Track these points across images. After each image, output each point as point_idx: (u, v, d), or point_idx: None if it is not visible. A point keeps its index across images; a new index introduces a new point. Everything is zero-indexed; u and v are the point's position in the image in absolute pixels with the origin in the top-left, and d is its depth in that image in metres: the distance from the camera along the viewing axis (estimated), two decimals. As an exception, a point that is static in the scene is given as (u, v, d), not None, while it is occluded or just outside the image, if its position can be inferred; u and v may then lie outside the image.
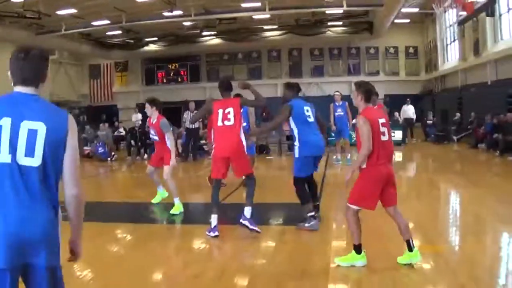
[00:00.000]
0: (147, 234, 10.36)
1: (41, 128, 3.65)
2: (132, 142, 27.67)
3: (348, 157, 20.13)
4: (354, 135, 13.68)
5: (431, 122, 33.62)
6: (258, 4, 32.44)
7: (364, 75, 44.91)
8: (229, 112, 9.66)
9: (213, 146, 10.89)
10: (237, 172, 10.38)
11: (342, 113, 20.03)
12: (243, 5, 32.98)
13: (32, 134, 3.62)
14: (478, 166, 21.03)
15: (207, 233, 9.77)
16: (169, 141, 12.17)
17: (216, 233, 9.68)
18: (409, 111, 33.06)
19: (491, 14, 21.68)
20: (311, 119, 10.28)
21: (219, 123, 10.01)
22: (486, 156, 23.38)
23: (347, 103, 19.46)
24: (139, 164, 25.08)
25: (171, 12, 32.51)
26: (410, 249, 7.58)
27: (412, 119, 33.53)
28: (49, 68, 3.95)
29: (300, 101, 10.53)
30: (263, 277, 7.61)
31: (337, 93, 20.97)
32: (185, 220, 11.59)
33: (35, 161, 3.65)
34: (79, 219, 3.97)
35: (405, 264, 7.55)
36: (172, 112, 27.43)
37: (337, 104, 20.29)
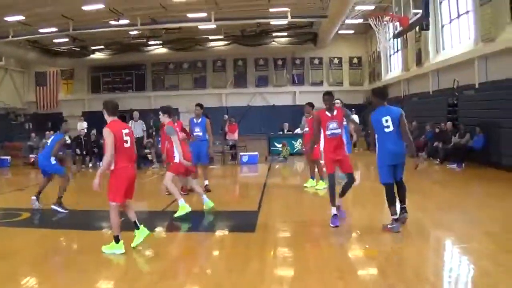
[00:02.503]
0: (91, 241, 10.55)
1: None
2: (77, 150, 27.51)
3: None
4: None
5: (373, 130, 34.01)
6: (204, 15, 32.73)
7: (308, 85, 45.96)
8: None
9: None
10: (345, 169, 11.59)
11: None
12: (189, 15, 33.25)
13: None
14: (419, 173, 21.51)
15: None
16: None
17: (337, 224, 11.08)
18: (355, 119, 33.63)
19: (426, 28, 22.18)
20: (389, 129, 10.68)
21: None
22: (427, 164, 23.81)
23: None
24: (84, 172, 25.03)
25: (118, 21, 32.68)
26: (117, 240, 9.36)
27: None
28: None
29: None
30: (201, 281, 7.97)
31: (337, 101, 16.50)
32: (129, 227, 11.79)
33: None
34: None
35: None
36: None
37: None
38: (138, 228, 9.70)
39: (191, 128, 16.57)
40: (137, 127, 24.38)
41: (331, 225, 11.01)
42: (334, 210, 11.22)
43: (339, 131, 11.49)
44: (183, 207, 12.64)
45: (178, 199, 12.81)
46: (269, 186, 17.77)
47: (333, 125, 11.42)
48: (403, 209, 11.16)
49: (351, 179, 11.70)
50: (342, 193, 11.75)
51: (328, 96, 11.62)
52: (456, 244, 9.69)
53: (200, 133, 16.40)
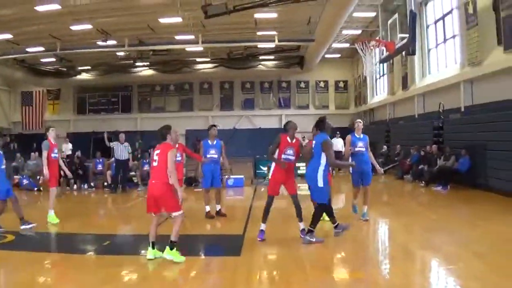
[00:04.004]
0: (76, 264, 10.44)
1: None
2: (61, 172, 27.03)
3: (365, 210, 14.91)
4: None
5: (358, 154, 34.09)
6: (192, 37, 32.85)
7: (294, 109, 46.04)
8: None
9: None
10: (289, 190, 12.39)
11: (363, 149, 15.02)
12: (177, 37, 33.37)
13: None
14: (404, 196, 21.57)
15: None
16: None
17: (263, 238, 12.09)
18: (338, 144, 33.24)
19: (412, 53, 22.19)
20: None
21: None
22: (412, 187, 23.95)
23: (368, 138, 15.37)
24: (69, 194, 24.66)
25: (105, 41, 32.65)
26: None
27: (340, 151, 33.61)
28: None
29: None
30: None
31: (359, 121, 15.59)
32: (114, 251, 11.68)
33: None
34: None
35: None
36: (102, 143, 26.99)
37: (356, 136, 15.12)
38: (153, 248, 10.41)
39: (205, 149, 16.02)
40: (123, 150, 24.04)
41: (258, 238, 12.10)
42: (262, 226, 12.30)
43: (293, 158, 12.44)
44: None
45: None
46: (254, 209, 17.68)
47: (289, 151, 12.39)
48: (302, 231, 12.09)
49: (294, 201, 12.32)
50: (299, 217, 12.29)
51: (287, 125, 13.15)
52: (443, 265, 9.69)
53: (216, 156, 16.09)
